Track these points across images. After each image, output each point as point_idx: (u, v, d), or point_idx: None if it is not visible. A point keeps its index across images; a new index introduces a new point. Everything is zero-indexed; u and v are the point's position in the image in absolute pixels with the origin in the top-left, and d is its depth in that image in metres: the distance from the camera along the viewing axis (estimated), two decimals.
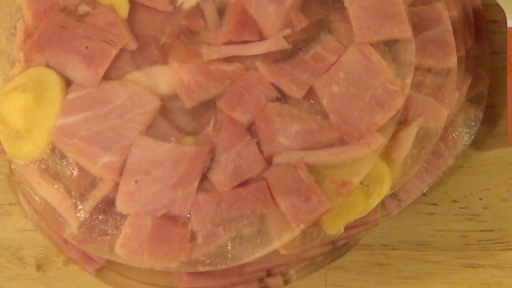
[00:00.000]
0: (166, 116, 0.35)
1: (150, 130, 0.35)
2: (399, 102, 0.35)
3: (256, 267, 0.38)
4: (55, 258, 0.42)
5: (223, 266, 0.35)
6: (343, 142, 0.35)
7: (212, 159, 0.34)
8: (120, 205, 0.34)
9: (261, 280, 0.39)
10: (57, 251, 0.40)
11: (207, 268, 0.35)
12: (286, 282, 0.40)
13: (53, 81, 0.36)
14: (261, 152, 0.35)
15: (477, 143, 0.42)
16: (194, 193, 0.34)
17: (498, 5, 0.38)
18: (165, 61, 0.36)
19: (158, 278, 0.39)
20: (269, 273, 0.39)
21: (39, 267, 0.42)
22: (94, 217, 0.35)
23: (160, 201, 0.34)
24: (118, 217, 0.35)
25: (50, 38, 0.36)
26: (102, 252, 0.35)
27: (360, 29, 0.36)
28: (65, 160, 0.35)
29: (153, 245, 0.34)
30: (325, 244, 0.38)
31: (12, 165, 0.37)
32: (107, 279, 0.40)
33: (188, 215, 0.34)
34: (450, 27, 0.37)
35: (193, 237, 0.34)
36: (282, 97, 0.35)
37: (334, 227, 0.36)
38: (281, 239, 0.35)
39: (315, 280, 0.41)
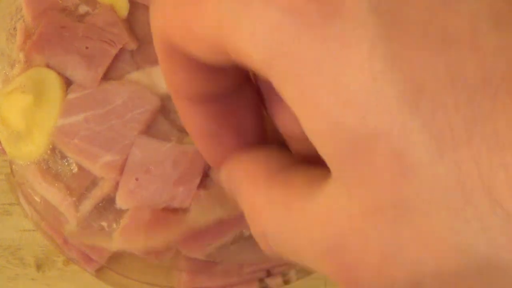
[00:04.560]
0: (166, 116, 0.35)
1: (150, 130, 0.35)
2: None
3: (256, 267, 0.38)
4: (55, 258, 0.42)
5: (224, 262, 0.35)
6: None
7: None
8: (120, 202, 0.34)
9: (261, 280, 0.39)
10: (57, 251, 0.40)
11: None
12: (286, 282, 0.40)
13: (53, 81, 0.36)
14: None
15: None
16: (195, 189, 0.34)
17: None
18: None
19: (158, 278, 0.39)
20: (269, 273, 0.39)
21: (39, 267, 0.42)
22: (94, 215, 0.35)
23: (160, 197, 0.34)
24: (118, 214, 0.35)
25: (50, 38, 0.36)
26: (99, 241, 0.35)
27: None
28: (65, 160, 0.35)
29: (150, 230, 0.34)
30: None
31: (14, 166, 0.37)
32: (107, 279, 0.40)
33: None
34: None
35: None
36: None
37: None
38: None
39: (315, 280, 0.41)
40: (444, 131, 0.17)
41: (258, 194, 0.23)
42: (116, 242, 0.35)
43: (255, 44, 0.19)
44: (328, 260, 0.20)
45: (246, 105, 0.27)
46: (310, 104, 0.19)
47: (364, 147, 0.18)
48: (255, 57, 0.19)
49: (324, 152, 0.19)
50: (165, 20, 0.22)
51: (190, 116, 0.26)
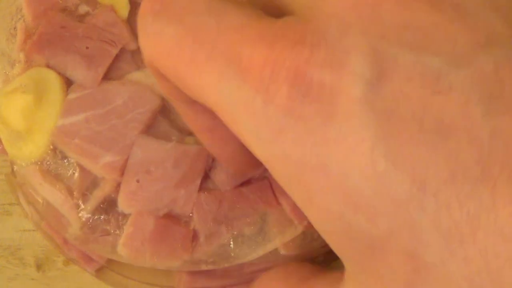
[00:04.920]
0: (167, 116, 0.35)
1: (151, 130, 0.35)
2: None
3: (256, 267, 0.38)
4: (55, 258, 0.42)
5: (226, 265, 0.35)
6: None
7: (214, 158, 0.35)
8: (122, 205, 0.34)
9: None
10: (57, 251, 0.40)
11: (210, 267, 0.35)
12: None
13: (54, 81, 0.36)
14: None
15: None
16: (196, 191, 0.34)
17: None
18: None
19: (158, 278, 0.39)
20: None
21: (39, 267, 0.42)
22: (96, 217, 0.35)
23: (162, 200, 0.34)
24: (120, 217, 0.35)
25: (50, 38, 0.36)
26: (104, 252, 0.35)
27: None
28: (66, 160, 0.35)
29: (156, 244, 0.34)
30: (325, 245, 0.38)
31: (15, 167, 0.37)
32: (107, 279, 0.40)
33: (190, 214, 0.34)
34: None
35: (195, 235, 0.34)
36: None
37: None
38: (283, 236, 0.35)
39: None
40: (450, 229, 0.17)
41: None
42: (122, 257, 0.35)
43: (257, 145, 0.20)
44: None
45: None
46: (320, 208, 0.19)
47: (378, 247, 0.18)
48: (258, 155, 0.20)
49: (339, 252, 0.20)
50: (155, 55, 0.22)
51: (187, 114, 0.27)
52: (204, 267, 0.35)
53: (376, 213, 0.18)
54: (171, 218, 0.34)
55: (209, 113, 0.26)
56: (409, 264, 0.18)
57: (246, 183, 0.34)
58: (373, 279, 0.19)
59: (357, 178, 0.18)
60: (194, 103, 0.25)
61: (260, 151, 0.20)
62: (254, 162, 0.31)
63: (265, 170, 0.35)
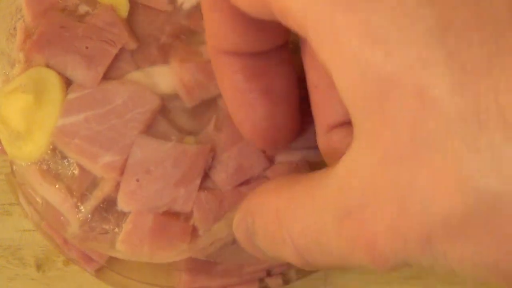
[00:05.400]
0: (166, 115, 0.35)
1: (150, 130, 0.35)
2: None
3: (256, 267, 0.38)
4: (55, 258, 0.42)
5: (224, 262, 0.35)
6: None
7: (213, 158, 0.35)
8: (122, 204, 0.34)
9: (261, 280, 0.39)
10: (57, 251, 0.40)
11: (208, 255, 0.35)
12: (286, 282, 0.40)
13: (54, 81, 0.36)
14: (263, 150, 0.35)
15: None
16: (196, 191, 0.34)
17: None
18: (165, 61, 0.36)
19: (158, 278, 0.39)
20: (269, 273, 0.39)
21: (39, 267, 0.42)
22: (95, 216, 0.35)
23: (161, 199, 0.34)
24: (119, 216, 0.35)
25: (50, 38, 0.36)
26: (102, 248, 0.35)
27: None
28: (66, 160, 0.35)
29: (154, 238, 0.34)
30: None
31: (14, 166, 0.37)
32: (107, 279, 0.40)
33: (190, 211, 0.34)
34: None
35: (194, 229, 0.34)
36: None
37: None
38: None
39: (314, 280, 0.41)
40: (466, 63, 0.18)
41: (281, 198, 0.24)
42: (120, 253, 0.35)
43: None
44: (348, 224, 0.21)
45: (278, 67, 0.28)
46: (341, 48, 0.20)
47: (389, 84, 0.19)
48: (294, 7, 0.21)
49: (352, 100, 0.20)
50: None
51: (221, 67, 0.28)
52: (201, 255, 0.35)
53: (393, 46, 0.18)
54: (170, 214, 0.34)
55: (247, 75, 0.27)
56: (417, 100, 0.18)
57: (245, 182, 0.34)
58: (381, 125, 0.19)
59: (382, 15, 0.19)
60: (233, 56, 0.26)
61: (296, 2, 0.20)
62: (274, 139, 0.31)
63: (265, 169, 0.35)
